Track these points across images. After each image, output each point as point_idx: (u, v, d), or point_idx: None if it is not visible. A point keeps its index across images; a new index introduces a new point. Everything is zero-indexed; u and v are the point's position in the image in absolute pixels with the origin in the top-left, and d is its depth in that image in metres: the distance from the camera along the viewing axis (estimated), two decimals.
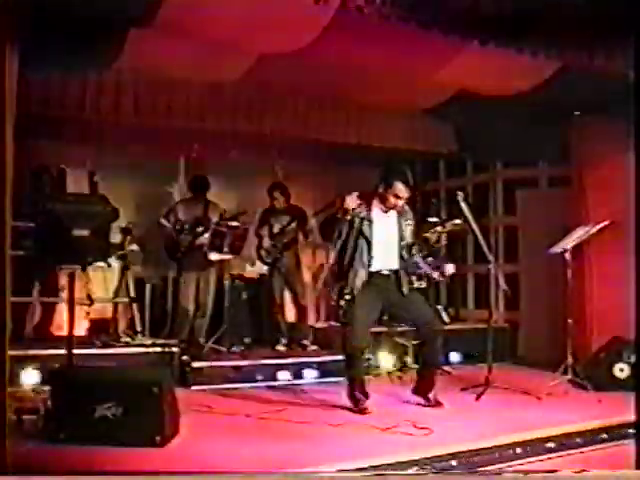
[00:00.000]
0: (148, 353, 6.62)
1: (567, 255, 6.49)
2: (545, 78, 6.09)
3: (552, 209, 7.89)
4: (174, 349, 6.68)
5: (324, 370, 6.86)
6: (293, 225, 7.84)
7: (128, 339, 7.22)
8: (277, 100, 7.17)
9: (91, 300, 6.88)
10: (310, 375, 6.82)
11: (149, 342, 7.03)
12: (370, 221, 5.45)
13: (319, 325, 8.66)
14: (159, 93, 6.73)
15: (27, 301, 6.96)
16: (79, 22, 4.67)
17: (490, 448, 4.50)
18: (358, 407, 5.42)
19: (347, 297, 5.36)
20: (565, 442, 4.78)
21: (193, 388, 6.32)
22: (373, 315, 5.60)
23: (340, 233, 5.45)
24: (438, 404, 5.60)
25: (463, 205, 6.09)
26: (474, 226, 6.23)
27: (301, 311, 7.94)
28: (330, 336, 7.74)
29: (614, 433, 5.01)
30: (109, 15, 4.69)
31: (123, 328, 7.42)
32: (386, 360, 7.20)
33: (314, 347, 7.74)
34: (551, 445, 4.72)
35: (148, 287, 7.94)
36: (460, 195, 6.23)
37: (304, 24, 5.25)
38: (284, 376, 6.72)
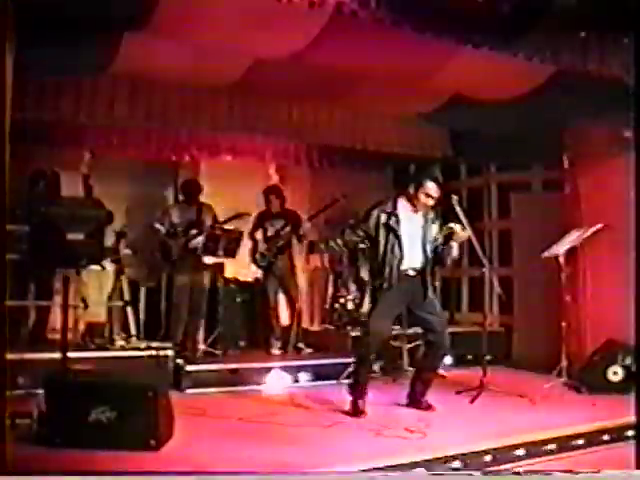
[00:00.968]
0: (142, 356, 6.60)
1: (561, 258, 6.51)
2: (540, 82, 6.11)
3: (546, 212, 7.89)
4: (168, 352, 6.66)
5: (319, 373, 6.87)
6: (287, 229, 7.84)
7: (122, 342, 7.21)
8: (272, 104, 7.17)
9: (85, 304, 6.87)
10: (305, 378, 6.83)
11: (143, 345, 7.02)
12: (398, 220, 5.47)
13: (314, 328, 8.67)
14: (154, 96, 6.72)
15: (22, 305, 6.94)
16: (73, 25, 4.67)
17: (485, 451, 4.51)
18: (356, 410, 5.43)
19: (385, 286, 5.37)
20: (559, 445, 4.80)
21: (187, 392, 6.30)
22: (394, 316, 5.65)
23: (367, 233, 5.50)
24: (429, 407, 5.61)
25: (457, 209, 6.10)
26: (469, 229, 6.24)
27: (295, 314, 7.95)
28: (324, 339, 7.74)
29: (609, 436, 5.03)
30: (104, 18, 4.69)
31: (117, 331, 7.41)
32: (381, 363, 7.19)
33: (309, 350, 7.75)
34: (545, 448, 4.73)
35: (142, 290, 7.94)
36: (454, 199, 6.25)
37: (299, 28, 5.26)
38: (279, 379, 6.72)
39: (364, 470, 4.01)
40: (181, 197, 7.90)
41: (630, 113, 4.85)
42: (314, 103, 7.33)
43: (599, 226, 6.58)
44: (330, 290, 8.86)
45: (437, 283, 6.98)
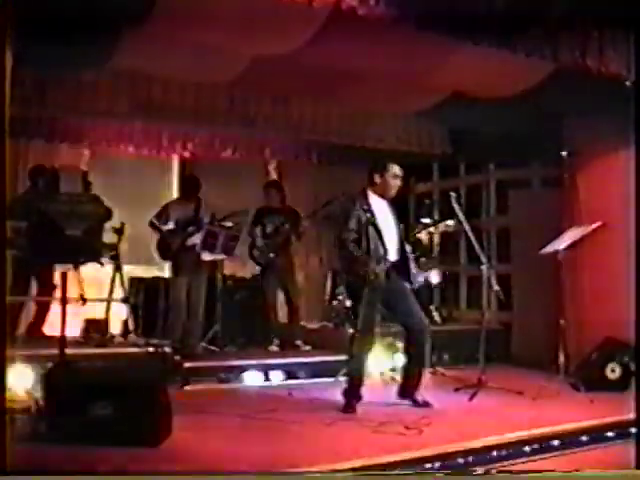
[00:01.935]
0: (141, 353, 6.60)
1: (560, 256, 6.51)
2: (540, 79, 6.11)
3: (545, 210, 7.89)
4: (167, 349, 6.67)
5: (317, 370, 6.87)
6: (286, 226, 7.83)
7: (121, 339, 7.21)
8: (271, 101, 7.16)
9: (84, 300, 6.86)
10: (303, 375, 6.83)
11: (142, 342, 7.03)
12: (372, 213, 5.49)
13: (312, 325, 8.67)
14: (153, 93, 6.71)
15: (20, 301, 6.94)
16: (73, 21, 4.66)
17: (483, 448, 4.51)
18: (350, 407, 5.42)
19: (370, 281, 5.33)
20: (558, 442, 4.80)
21: (186, 388, 6.31)
22: (378, 312, 5.60)
23: (347, 226, 5.48)
24: (426, 404, 5.61)
25: (456, 206, 6.10)
26: (467, 227, 6.26)
27: (294, 311, 7.94)
28: (323, 336, 7.74)
29: (607, 433, 5.04)
30: (103, 15, 4.69)
31: (116, 328, 7.41)
32: (378, 360, 7.18)
33: (307, 347, 7.75)
34: (543, 445, 4.74)
35: (141, 287, 7.93)
36: (453, 196, 6.25)
37: (298, 25, 5.25)
38: (277, 376, 6.72)
39: (362, 467, 4.02)
40: (180, 193, 7.89)
41: (630, 110, 4.86)
42: (313, 100, 7.33)
43: (598, 224, 6.57)
44: (328, 287, 8.86)
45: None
